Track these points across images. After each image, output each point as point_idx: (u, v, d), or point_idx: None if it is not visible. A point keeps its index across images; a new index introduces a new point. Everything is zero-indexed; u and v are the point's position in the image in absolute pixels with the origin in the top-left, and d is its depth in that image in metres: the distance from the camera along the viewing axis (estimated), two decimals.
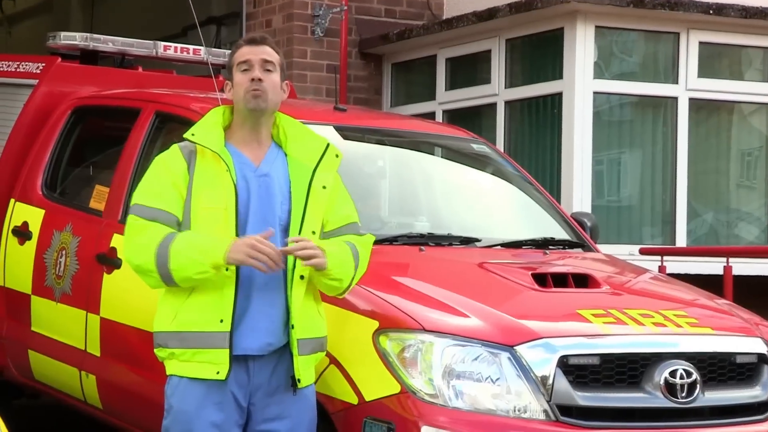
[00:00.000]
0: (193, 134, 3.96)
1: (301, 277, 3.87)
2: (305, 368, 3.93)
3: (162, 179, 3.95)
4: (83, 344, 5.48)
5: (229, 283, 3.84)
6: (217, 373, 3.83)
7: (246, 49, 4.01)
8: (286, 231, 3.93)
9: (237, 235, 3.87)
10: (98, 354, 5.39)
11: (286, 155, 4.03)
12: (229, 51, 7.09)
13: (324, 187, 3.98)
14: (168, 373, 3.95)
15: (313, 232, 3.94)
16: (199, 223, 3.88)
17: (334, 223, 4.04)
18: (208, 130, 3.99)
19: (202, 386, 3.86)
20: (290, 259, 3.88)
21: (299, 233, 3.90)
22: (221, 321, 3.83)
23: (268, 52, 4.00)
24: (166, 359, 3.94)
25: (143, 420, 5.15)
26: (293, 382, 3.91)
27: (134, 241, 3.91)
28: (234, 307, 3.84)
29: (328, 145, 4.06)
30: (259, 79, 3.93)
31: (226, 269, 3.81)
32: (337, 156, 4.07)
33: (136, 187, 4.05)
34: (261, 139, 4.02)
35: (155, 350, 3.97)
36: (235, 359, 3.85)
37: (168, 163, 3.98)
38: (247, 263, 3.77)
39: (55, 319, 5.73)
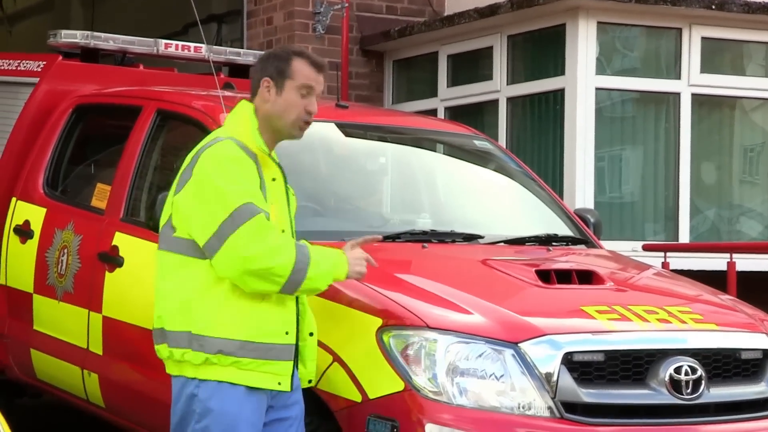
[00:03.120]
0: (259, 146, 3.89)
1: None
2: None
3: (250, 177, 3.81)
4: (85, 343, 5.47)
5: (291, 296, 3.85)
6: (279, 384, 3.83)
7: (312, 73, 3.91)
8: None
9: None
10: (100, 353, 5.38)
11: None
12: (230, 48, 7.16)
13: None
14: (212, 378, 3.79)
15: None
16: None
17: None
18: (257, 136, 3.90)
19: (242, 388, 3.81)
20: None
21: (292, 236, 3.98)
22: (287, 333, 3.84)
23: (323, 81, 3.96)
24: (216, 365, 3.78)
25: (146, 418, 5.14)
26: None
27: (267, 243, 3.73)
28: (297, 319, 3.87)
29: None
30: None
31: None
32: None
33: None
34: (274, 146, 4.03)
35: (210, 356, 3.77)
36: None
37: (243, 162, 3.82)
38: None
39: (57, 318, 5.72)
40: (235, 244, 3.71)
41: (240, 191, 3.76)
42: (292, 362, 3.84)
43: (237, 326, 3.78)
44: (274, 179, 3.91)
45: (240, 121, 3.94)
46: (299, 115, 3.89)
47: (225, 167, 3.79)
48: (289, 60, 3.92)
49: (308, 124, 3.94)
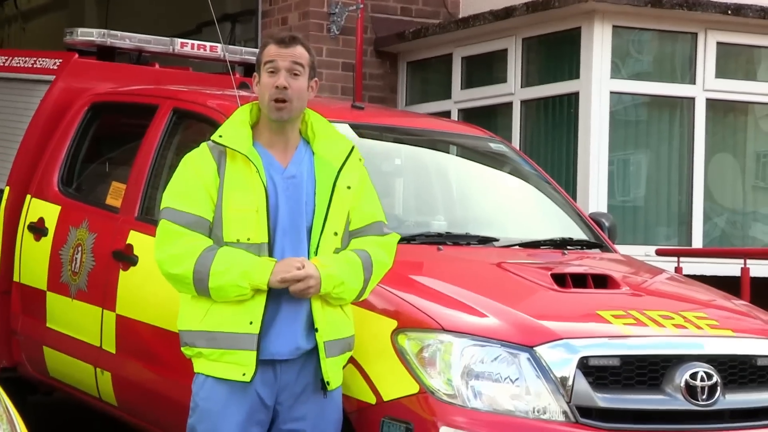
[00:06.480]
0: (221, 136, 3.91)
1: None
2: (334, 370, 3.95)
3: (192, 181, 3.89)
4: (99, 341, 5.47)
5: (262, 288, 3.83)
6: (243, 374, 3.82)
7: (274, 49, 3.91)
8: (310, 232, 3.92)
9: (269, 236, 3.84)
10: (114, 351, 5.38)
11: (313, 153, 4.00)
12: (246, 48, 7.16)
13: (348, 188, 3.95)
14: (195, 371, 3.95)
15: (335, 233, 3.93)
16: (231, 225, 3.85)
17: (358, 222, 4.02)
18: (236, 130, 3.93)
19: (227, 385, 3.86)
20: None
21: (321, 234, 3.90)
22: (250, 323, 3.81)
23: (297, 54, 3.90)
24: (194, 357, 3.93)
25: (158, 417, 5.14)
26: (323, 385, 3.92)
27: (168, 251, 3.86)
28: (264, 310, 3.82)
29: (353, 147, 4.04)
30: (284, 87, 3.86)
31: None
32: (360, 160, 4.07)
33: (164, 187, 4.03)
34: (288, 139, 3.98)
35: (182, 348, 3.97)
36: (263, 362, 3.85)
37: (198, 164, 3.92)
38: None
39: (70, 316, 5.72)
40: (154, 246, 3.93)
41: (169, 194, 3.92)
42: (254, 352, 3.80)
43: (200, 318, 3.87)
44: (258, 169, 3.85)
45: (229, 121, 4.00)
46: (270, 94, 3.88)
47: (179, 170, 3.96)
48: (260, 52, 3.98)
49: (281, 101, 3.87)
